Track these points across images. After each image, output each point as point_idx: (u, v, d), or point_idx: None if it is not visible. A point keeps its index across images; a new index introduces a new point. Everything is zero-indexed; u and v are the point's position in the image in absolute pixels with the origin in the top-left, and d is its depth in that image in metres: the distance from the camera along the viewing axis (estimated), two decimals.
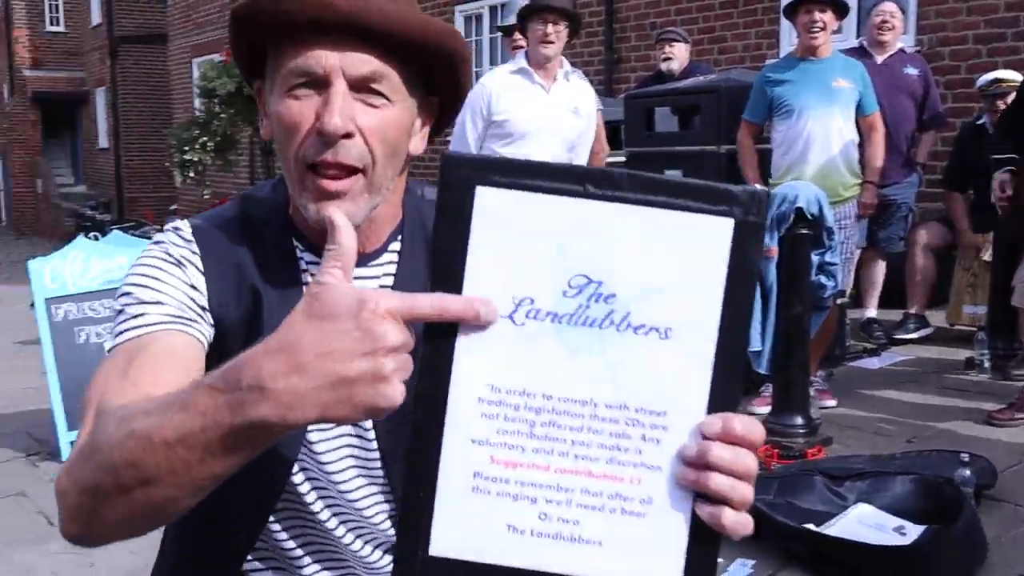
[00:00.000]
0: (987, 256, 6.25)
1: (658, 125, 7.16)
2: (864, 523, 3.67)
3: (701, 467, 0.90)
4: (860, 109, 5.42)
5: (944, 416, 5.06)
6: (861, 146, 5.49)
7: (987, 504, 3.86)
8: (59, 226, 23.04)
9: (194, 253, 1.31)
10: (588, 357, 0.91)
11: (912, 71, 6.39)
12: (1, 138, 29.21)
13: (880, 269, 6.60)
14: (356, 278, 1.30)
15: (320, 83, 1.21)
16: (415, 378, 0.90)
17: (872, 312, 6.69)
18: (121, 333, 1.22)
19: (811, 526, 3.63)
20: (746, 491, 0.91)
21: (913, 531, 3.57)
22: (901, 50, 6.52)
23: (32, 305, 5.94)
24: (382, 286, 1.35)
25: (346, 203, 1.23)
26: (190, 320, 1.25)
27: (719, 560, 3.28)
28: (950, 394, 5.47)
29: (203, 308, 1.28)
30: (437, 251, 0.91)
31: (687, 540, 0.92)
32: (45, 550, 4.32)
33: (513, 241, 0.90)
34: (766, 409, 4.87)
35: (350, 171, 1.23)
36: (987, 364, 5.78)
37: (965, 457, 3.83)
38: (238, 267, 1.32)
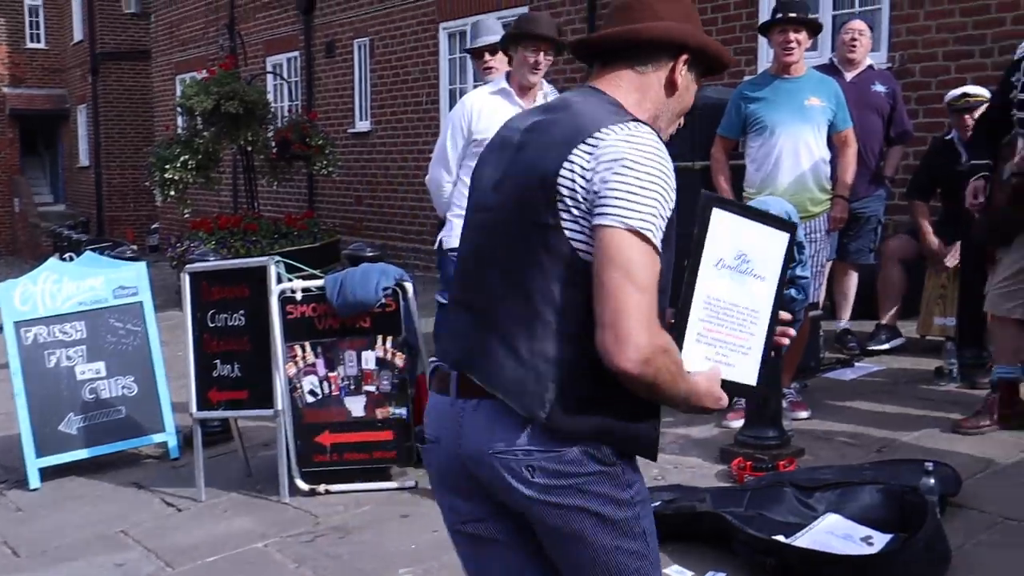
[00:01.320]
0: (950, 262, 6.33)
1: None
2: (833, 533, 3.74)
3: (775, 333, 2.14)
4: (833, 125, 5.50)
5: (914, 425, 5.16)
6: (832, 162, 5.58)
7: (952, 511, 3.95)
8: (37, 246, 22.95)
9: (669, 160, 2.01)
10: (740, 285, 2.05)
11: (880, 88, 6.48)
12: None
13: (852, 281, 6.70)
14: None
15: None
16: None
17: (845, 323, 6.78)
18: (656, 232, 1.90)
19: (781, 537, 3.70)
20: (786, 340, 2.20)
21: (880, 540, 3.65)
22: (870, 67, 6.61)
23: (0, 328, 5.78)
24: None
25: None
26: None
27: (691, 573, 3.38)
28: (920, 404, 5.56)
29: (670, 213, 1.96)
30: (696, 237, 1.97)
31: (760, 363, 2.12)
32: None
33: (723, 234, 2.00)
34: (739, 422, 4.94)
35: None
36: (956, 373, 5.88)
37: (929, 466, 3.90)
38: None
